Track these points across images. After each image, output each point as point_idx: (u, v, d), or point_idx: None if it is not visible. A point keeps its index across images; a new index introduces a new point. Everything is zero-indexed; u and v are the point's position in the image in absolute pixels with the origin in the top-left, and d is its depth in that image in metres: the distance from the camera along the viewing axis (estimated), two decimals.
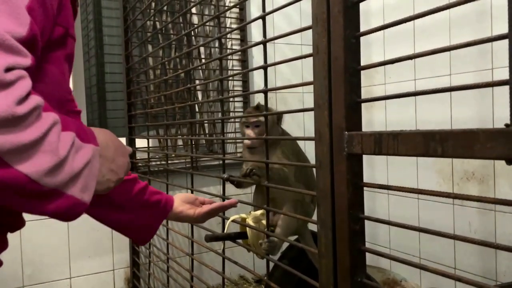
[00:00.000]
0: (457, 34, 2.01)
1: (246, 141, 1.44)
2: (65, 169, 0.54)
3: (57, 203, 0.54)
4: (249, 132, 1.46)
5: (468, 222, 2.02)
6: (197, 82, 2.52)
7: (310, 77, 0.75)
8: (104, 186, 0.64)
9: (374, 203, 2.50)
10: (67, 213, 0.56)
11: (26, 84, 0.51)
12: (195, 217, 1.06)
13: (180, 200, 1.07)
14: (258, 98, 2.39)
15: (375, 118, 2.47)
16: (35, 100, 0.52)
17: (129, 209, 0.97)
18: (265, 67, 0.96)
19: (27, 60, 0.52)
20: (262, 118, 1.43)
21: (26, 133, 0.49)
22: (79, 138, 0.57)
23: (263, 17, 0.95)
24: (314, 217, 0.80)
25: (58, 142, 0.53)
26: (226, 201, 1.12)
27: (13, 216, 0.67)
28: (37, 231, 2.03)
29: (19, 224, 0.69)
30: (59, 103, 0.67)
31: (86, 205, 0.57)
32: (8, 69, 0.49)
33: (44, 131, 0.51)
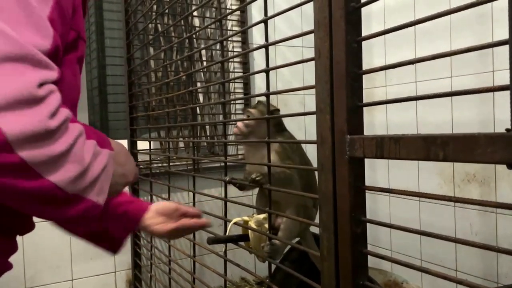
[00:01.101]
0: (458, 36, 2.01)
1: (234, 129, 1.48)
2: (88, 175, 0.56)
3: (77, 208, 0.56)
4: (240, 122, 1.50)
5: (469, 224, 2.02)
6: (198, 84, 2.53)
7: (311, 79, 0.76)
8: (114, 189, 0.65)
9: (376, 205, 2.50)
10: (84, 216, 0.58)
11: (56, 98, 0.53)
12: (161, 235, 1.01)
13: (155, 211, 1.02)
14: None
15: (377, 120, 2.48)
16: (64, 113, 0.54)
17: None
18: (267, 71, 0.97)
19: (54, 73, 0.54)
20: (255, 110, 1.52)
21: (56, 145, 0.52)
22: (99, 144, 0.60)
23: (265, 21, 0.96)
24: (316, 220, 0.80)
25: (83, 152, 0.55)
26: (200, 221, 1.05)
27: (25, 221, 0.68)
28: (39, 233, 2.02)
29: (29, 227, 0.70)
30: (73, 106, 0.69)
31: (101, 207, 0.60)
32: (40, 85, 0.51)
33: (71, 142, 0.54)
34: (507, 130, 0.47)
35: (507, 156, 0.46)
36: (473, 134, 0.50)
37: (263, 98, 1.42)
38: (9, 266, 0.66)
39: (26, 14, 0.53)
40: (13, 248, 0.67)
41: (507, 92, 0.47)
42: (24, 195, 0.52)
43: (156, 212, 1.02)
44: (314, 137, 0.75)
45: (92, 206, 0.58)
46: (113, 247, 1.00)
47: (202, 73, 2.57)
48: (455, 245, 2.07)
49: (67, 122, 0.54)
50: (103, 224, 0.96)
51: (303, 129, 2.72)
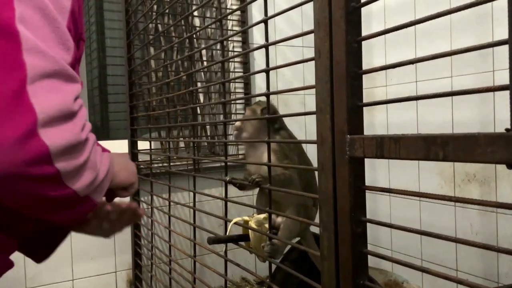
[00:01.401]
0: (458, 36, 2.01)
1: (235, 124, 1.48)
2: (97, 179, 0.59)
3: (83, 208, 0.59)
4: (238, 121, 1.50)
5: (469, 224, 2.02)
6: (199, 84, 2.53)
7: (311, 79, 0.76)
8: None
9: (376, 205, 2.50)
10: (85, 216, 0.61)
11: (85, 111, 0.57)
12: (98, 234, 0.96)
13: None
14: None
15: (377, 121, 2.48)
16: (89, 125, 0.57)
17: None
18: (267, 71, 0.97)
19: (80, 86, 0.57)
20: (256, 109, 1.53)
21: (82, 155, 0.55)
22: (101, 149, 0.64)
23: (265, 21, 0.96)
24: (316, 220, 0.80)
25: (96, 159, 0.59)
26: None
27: (30, 221, 0.68)
28: None
29: (31, 228, 0.70)
30: None
31: (97, 205, 0.62)
32: (75, 99, 0.54)
33: (90, 151, 0.56)
34: (507, 130, 0.47)
35: (507, 156, 0.46)
36: (473, 134, 0.50)
37: (264, 98, 1.42)
38: (10, 264, 0.66)
39: (52, 29, 0.54)
40: (14, 246, 0.67)
41: (507, 92, 0.47)
42: (49, 203, 0.54)
43: None
44: (314, 137, 0.76)
45: (93, 205, 0.60)
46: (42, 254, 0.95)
47: (202, 73, 2.57)
48: (456, 245, 2.07)
49: (89, 132, 0.57)
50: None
51: (303, 129, 2.72)
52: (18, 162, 0.48)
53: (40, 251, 0.86)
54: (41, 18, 0.53)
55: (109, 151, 0.67)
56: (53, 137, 0.50)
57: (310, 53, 0.75)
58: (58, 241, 0.87)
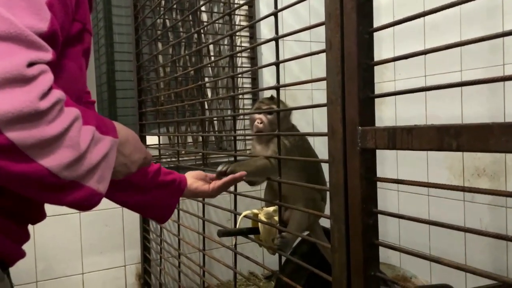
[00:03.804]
0: (468, 30, 2.00)
1: (256, 123, 1.43)
2: (84, 162, 0.55)
3: (74, 195, 0.55)
4: (260, 116, 1.44)
5: (479, 219, 2.01)
6: (206, 79, 2.53)
7: (319, 74, 0.76)
8: (113, 176, 0.65)
9: (385, 201, 2.49)
10: (84, 203, 0.57)
11: (48, 78, 0.52)
12: (210, 192, 1.09)
13: (193, 177, 1.09)
14: (267, 95, 2.40)
15: (385, 115, 2.47)
16: (57, 94, 0.52)
17: (147, 191, 0.99)
18: (277, 64, 0.97)
19: (48, 54, 0.53)
20: (275, 106, 1.44)
21: (49, 128, 0.50)
22: (99, 130, 0.59)
23: (275, 14, 0.96)
24: (327, 212, 0.80)
25: (79, 137, 0.54)
26: (237, 174, 1.11)
27: (35, 208, 0.69)
28: (50, 227, 2.05)
29: (41, 216, 0.71)
30: (78, 98, 0.68)
31: (102, 195, 0.59)
32: (30, 64, 0.50)
33: (66, 126, 0.52)
34: None
35: None
36: (487, 124, 0.49)
37: (273, 92, 1.41)
38: (22, 254, 0.67)
39: None
40: (26, 235, 0.68)
41: None
42: (17, 178, 0.51)
43: (194, 178, 1.09)
44: (321, 131, 0.75)
45: (92, 193, 0.57)
46: (162, 215, 1.05)
47: (210, 69, 2.57)
48: (464, 240, 2.06)
49: (60, 104, 0.52)
50: (153, 193, 0.99)
51: (311, 124, 2.72)
52: None
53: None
54: None
55: (115, 136, 0.62)
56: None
57: (318, 48, 0.75)
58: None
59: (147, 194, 0.99)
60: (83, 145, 0.54)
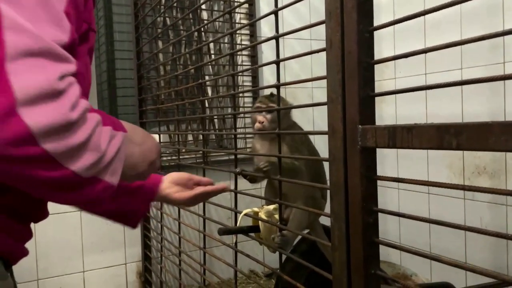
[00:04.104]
0: (468, 29, 2.00)
1: (257, 124, 1.44)
2: (104, 160, 0.58)
3: (93, 189, 0.58)
4: (261, 117, 1.45)
5: (479, 217, 2.01)
6: (207, 78, 2.53)
7: (319, 72, 0.76)
8: (136, 171, 0.67)
9: (385, 199, 2.50)
10: (99, 197, 0.59)
11: (76, 90, 0.55)
12: (181, 202, 1.02)
13: (170, 181, 1.03)
14: (267, 93, 2.40)
15: (386, 113, 2.47)
16: (84, 104, 0.55)
17: (114, 199, 0.94)
18: (277, 62, 0.97)
19: (73, 66, 0.55)
20: (274, 105, 1.45)
21: (76, 136, 0.53)
22: (113, 128, 0.61)
23: (275, 12, 0.96)
24: (327, 211, 0.80)
25: (100, 140, 0.57)
26: (216, 186, 1.05)
27: (38, 207, 0.69)
28: (51, 226, 2.06)
29: (43, 215, 0.71)
30: (85, 95, 0.69)
31: (114, 187, 0.61)
32: (61, 78, 0.52)
33: (90, 132, 0.55)
34: None
35: None
36: (486, 123, 0.50)
37: (273, 89, 1.41)
38: (26, 252, 0.68)
39: (46, 10, 0.54)
40: (29, 234, 0.68)
41: None
42: (46, 183, 0.53)
43: (172, 182, 1.03)
44: (321, 129, 0.76)
45: (106, 187, 0.59)
46: (131, 222, 1.01)
47: (210, 67, 2.57)
48: (465, 239, 2.07)
49: (86, 112, 0.55)
50: (120, 200, 0.96)
51: (311, 122, 2.72)
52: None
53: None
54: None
55: (125, 130, 0.64)
56: (36, 117, 0.49)
57: (319, 46, 0.75)
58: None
59: (114, 201, 0.95)
60: (103, 146, 0.57)
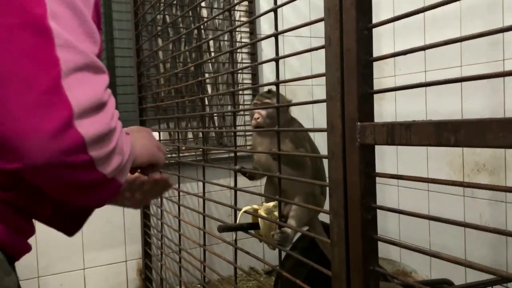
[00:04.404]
0: (468, 25, 1.99)
1: (252, 122, 1.44)
2: (123, 162, 0.62)
3: (110, 190, 0.62)
4: (256, 114, 1.45)
5: (479, 214, 2.02)
6: (207, 75, 2.53)
7: (319, 70, 0.76)
8: (146, 158, 0.75)
9: (384, 196, 2.50)
10: (111, 196, 0.63)
11: (113, 100, 0.60)
12: (129, 205, 0.90)
13: None
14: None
15: (385, 111, 2.47)
16: (117, 113, 0.60)
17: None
18: (277, 60, 0.97)
19: (107, 76, 0.59)
20: (271, 100, 1.45)
21: (112, 142, 0.58)
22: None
23: (274, 10, 0.96)
24: (326, 207, 0.81)
25: (123, 143, 0.61)
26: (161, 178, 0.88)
27: (46, 204, 0.69)
28: None
29: (48, 212, 0.71)
30: None
31: (122, 186, 0.64)
32: (105, 89, 0.57)
33: (118, 137, 0.59)
34: None
35: None
36: (484, 119, 0.50)
37: (273, 87, 1.42)
38: (29, 248, 0.68)
39: (80, 23, 0.56)
40: (32, 229, 0.69)
41: None
42: (80, 187, 0.58)
43: None
44: (321, 127, 0.76)
45: (118, 186, 0.63)
46: (72, 229, 0.85)
47: (210, 65, 2.57)
48: (464, 236, 2.07)
49: (118, 120, 0.60)
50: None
51: (311, 119, 2.72)
52: (57, 152, 0.52)
53: (68, 227, 0.88)
54: (70, 12, 0.55)
55: (128, 133, 0.68)
56: (88, 128, 0.53)
57: (319, 44, 0.75)
58: (85, 217, 0.88)
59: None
60: (125, 149, 0.62)
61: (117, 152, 0.59)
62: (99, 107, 0.55)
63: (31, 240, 0.69)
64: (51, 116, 0.51)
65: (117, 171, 0.60)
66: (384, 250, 2.41)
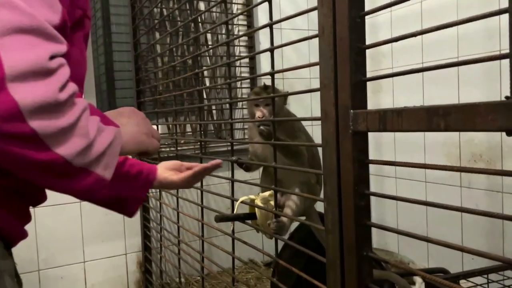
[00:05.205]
0: (465, 16, 1.99)
1: (258, 118, 1.46)
2: (93, 149, 0.58)
3: (84, 181, 0.58)
4: (260, 111, 1.47)
5: (475, 204, 2.03)
6: (204, 68, 2.53)
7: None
8: (136, 146, 0.74)
9: (382, 188, 2.51)
10: (91, 190, 0.60)
11: (66, 71, 0.55)
12: (179, 183, 1.02)
13: (164, 167, 1.04)
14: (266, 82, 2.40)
15: (383, 103, 2.47)
16: (73, 87, 0.56)
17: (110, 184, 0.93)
18: (271, 50, 0.98)
19: (64, 47, 0.56)
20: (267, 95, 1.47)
21: (65, 118, 0.53)
22: (102, 121, 0.62)
23: (269, 0, 0.96)
24: (321, 196, 0.81)
25: (87, 126, 0.57)
26: (210, 163, 1.02)
27: (38, 189, 0.70)
28: (51, 217, 2.07)
29: (42, 197, 0.72)
30: (80, 82, 0.70)
31: (107, 181, 0.62)
32: (52, 57, 0.52)
33: (77, 115, 0.55)
34: (507, 97, 0.48)
35: (507, 124, 0.47)
36: (473, 103, 0.50)
37: (267, 80, 1.42)
38: (25, 233, 0.69)
39: None
40: (28, 216, 0.69)
41: None
42: (34, 167, 0.54)
43: (166, 168, 1.04)
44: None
45: (98, 180, 0.60)
46: (128, 209, 1.00)
47: (208, 58, 2.57)
48: (461, 225, 2.08)
49: (74, 96, 0.55)
50: (118, 186, 0.94)
51: (309, 112, 2.73)
52: None
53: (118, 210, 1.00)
54: None
55: (116, 125, 0.66)
56: (24, 93, 0.49)
57: None
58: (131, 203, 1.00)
59: (111, 187, 0.91)
60: (91, 133, 0.57)
61: (77, 133, 0.55)
62: (41, 73, 0.51)
63: (31, 234, 0.70)
64: None
65: (86, 158, 0.57)
66: (382, 242, 2.42)
